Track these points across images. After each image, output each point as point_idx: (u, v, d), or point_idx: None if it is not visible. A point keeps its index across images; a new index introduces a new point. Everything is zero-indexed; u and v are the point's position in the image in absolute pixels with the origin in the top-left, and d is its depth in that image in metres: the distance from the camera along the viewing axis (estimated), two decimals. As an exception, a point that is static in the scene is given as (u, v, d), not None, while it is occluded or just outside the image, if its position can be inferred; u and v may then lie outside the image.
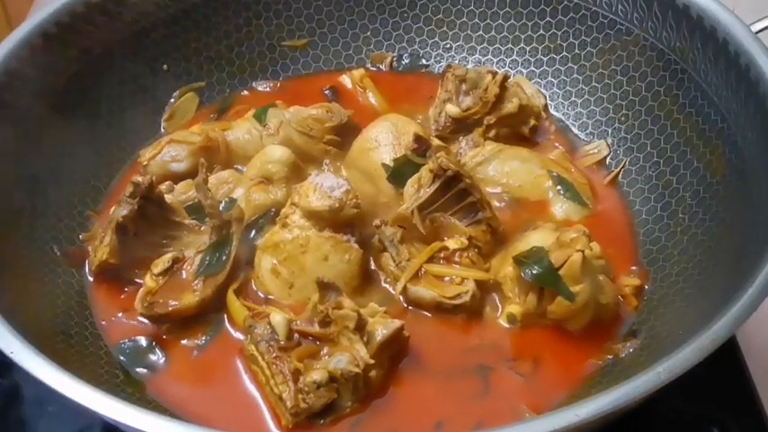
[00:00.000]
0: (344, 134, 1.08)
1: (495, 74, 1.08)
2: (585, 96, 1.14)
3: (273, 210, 0.97)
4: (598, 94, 1.12)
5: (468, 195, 0.93)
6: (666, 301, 0.91)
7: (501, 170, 1.02)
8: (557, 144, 1.11)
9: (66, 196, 1.02)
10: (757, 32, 0.95)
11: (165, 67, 1.15)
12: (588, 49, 1.13)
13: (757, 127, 0.90)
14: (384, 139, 1.02)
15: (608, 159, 1.09)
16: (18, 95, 0.98)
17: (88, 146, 1.06)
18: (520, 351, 0.88)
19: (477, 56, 1.20)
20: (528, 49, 1.17)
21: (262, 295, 0.92)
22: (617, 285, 0.92)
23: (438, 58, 1.22)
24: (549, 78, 1.17)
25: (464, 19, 1.20)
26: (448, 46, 1.21)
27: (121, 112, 1.11)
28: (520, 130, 1.10)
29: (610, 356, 0.87)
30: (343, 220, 0.91)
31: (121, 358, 0.89)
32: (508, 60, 1.19)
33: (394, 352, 0.86)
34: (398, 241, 0.93)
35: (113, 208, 0.97)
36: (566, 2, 1.13)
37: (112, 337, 0.91)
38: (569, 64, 1.15)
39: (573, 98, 1.15)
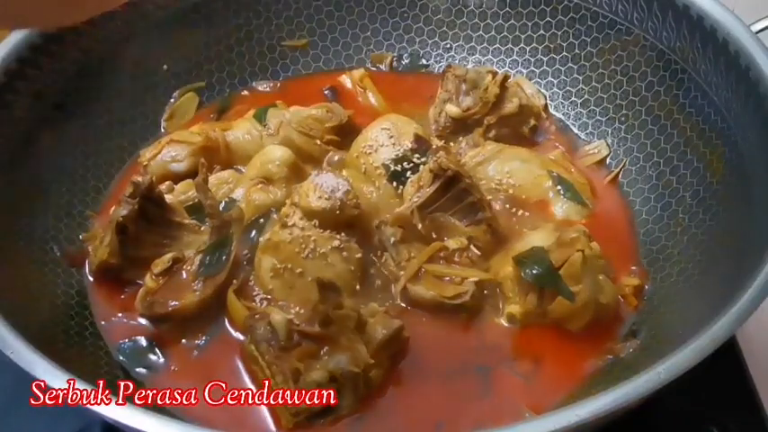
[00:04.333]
0: (344, 134, 1.08)
1: (495, 74, 1.08)
2: (585, 96, 1.14)
3: (273, 210, 0.97)
4: (598, 94, 1.12)
5: (468, 195, 0.93)
6: (666, 301, 0.91)
7: (501, 170, 1.02)
8: (557, 144, 1.11)
9: (67, 196, 1.02)
10: (757, 32, 0.96)
11: (165, 67, 1.15)
12: (588, 49, 1.13)
13: (757, 127, 0.90)
14: (384, 140, 1.02)
15: (608, 159, 1.09)
16: (18, 95, 0.98)
17: (88, 146, 1.06)
18: (520, 351, 0.88)
19: (477, 56, 1.20)
20: (528, 49, 1.17)
21: (262, 295, 0.92)
22: (617, 285, 0.92)
23: (438, 58, 1.22)
24: (549, 78, 1.17)
25: (464, 19, 1.20)
26: (448, 46, 1.21)
27: (121, 112, 1.10)
28: (520, 130, 1.10)
29: (610, 356, 0.87)
30: (343, 220, 0.91)
31: (121, 358, 0.89)
32: (508, 60, 1.19)
33: (394, 352, 0.86)
34: (398, 241, 0.93)
35: (113, 208, 0.97)
36: (566, 2, 1.13)
37: (112, 337, 0.91)
38: (569, 64, 1.15)
39: (573, 98, 1.15)
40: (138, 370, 0.88)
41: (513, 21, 1.17)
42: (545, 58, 1.17)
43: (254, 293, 0.92)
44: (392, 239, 0.93)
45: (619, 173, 1.07)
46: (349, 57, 1.22)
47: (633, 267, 0.97)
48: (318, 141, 1.06)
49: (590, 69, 1.13)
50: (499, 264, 0.93)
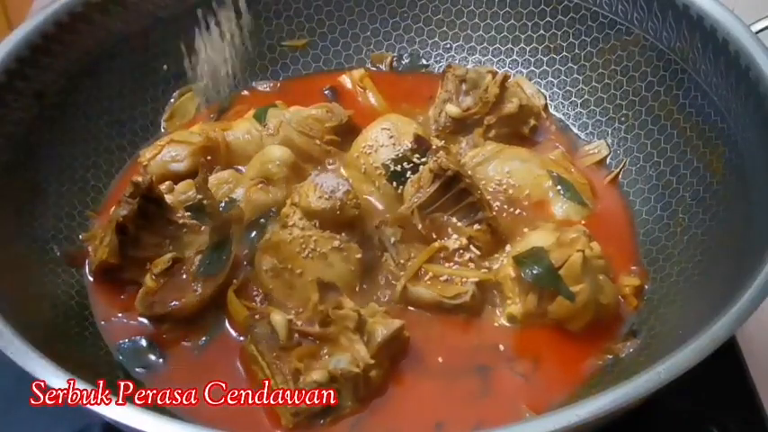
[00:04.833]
0: (344, 134, 1.08)
1: (495, 74, 1.08)
2: (585, 96, 1.14)
3: (273, 210, 0.97)
4: (598, 94, 1.12)
5: (468, 195, 0.93)
6: (666, 301, 0.91)
7: (501, 170, 1.02)
8: (557, 144, 1.11)
9: (67, 196, 1.02)
10: (757, 32, 0.96)
11: (165, 67, 1.15)
12: (588, 49, 1.13)
13: (757, 127, 0.90)
14: (384, 140, 1.02)
15: (608, 159, 1.09)
16: (18, 95, 0.98)
17: (88, 146, 1.06)
18: (520, 351, 0.88)
19: (477, 56, 1.20)
20: (528, 49, 1.17)
21: (262, 295, 0.92)
22: (617, 285, 0.92)
23: (438, 58, 1.22)
24: (549, 78, 1.17)
25: (464, 19, 1.20)
26: (448, 46, 1.21)
27: (121, 112, 1.11)
28: (520, 130, 1.10)
29: (610, 356, 0.87)
30: (343, 221, 0.91)
31: (121, 358, 0.89)
32: (508, 60, 1.19)
33: (394, 352, 0.86)
34: (398, 241, 0.93)
35: (113, 208, 0.97)
36: (566, 2, 1.13)
37: (112, 337, 0.91)
38: (569, 64, 1.15)
39: (573, 98, 1.15)
40: (137, 370, 0.88)
41: (513, 21, 1.17)
42: (545, 58, 1.17)
43: (254, 293, 0.92)
44: (392, 239, 0.93)
45: (619, 173, 1.07)
46: (349, 57, 1.23)
47: (633, 267, 0.97)
48: (318, 141, 1.06)
49: (590, 69, 1.13)
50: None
